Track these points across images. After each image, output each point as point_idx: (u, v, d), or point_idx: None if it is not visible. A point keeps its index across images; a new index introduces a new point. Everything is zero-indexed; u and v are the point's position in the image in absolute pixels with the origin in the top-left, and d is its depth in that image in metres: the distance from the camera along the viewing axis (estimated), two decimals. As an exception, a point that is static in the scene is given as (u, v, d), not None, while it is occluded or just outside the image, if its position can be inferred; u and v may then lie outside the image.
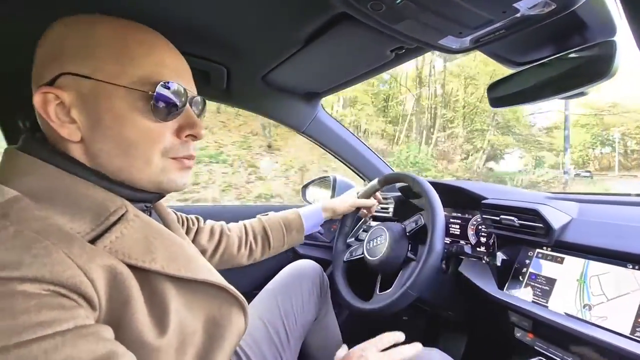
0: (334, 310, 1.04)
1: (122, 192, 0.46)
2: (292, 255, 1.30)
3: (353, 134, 1.30)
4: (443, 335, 1.17)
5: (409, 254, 0.86)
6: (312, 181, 1.54)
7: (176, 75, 0.47)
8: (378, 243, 0.90)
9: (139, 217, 0.45)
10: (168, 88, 0.45)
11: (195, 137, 0.50)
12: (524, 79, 0.69)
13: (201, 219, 0.83)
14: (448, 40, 0.58)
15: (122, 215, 0.43)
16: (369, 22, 0.55)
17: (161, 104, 0.44)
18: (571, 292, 0.66)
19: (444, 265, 0.97)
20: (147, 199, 0.50)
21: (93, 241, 0.38)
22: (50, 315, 0.31)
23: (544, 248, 0.76)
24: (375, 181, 1.03)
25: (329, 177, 1.41)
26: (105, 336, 0.35)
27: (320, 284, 0.98)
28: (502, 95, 0.74)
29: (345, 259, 1.03)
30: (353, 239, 1.18)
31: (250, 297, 0.91)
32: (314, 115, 1.15)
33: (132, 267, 0.41)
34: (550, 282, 0.70)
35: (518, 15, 0.48)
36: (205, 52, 0.79)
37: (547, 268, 0.73)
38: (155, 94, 0.44)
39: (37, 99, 0.42)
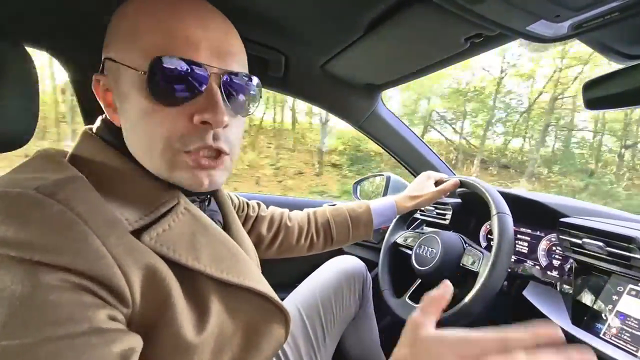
0: (375, 313, 0.99)
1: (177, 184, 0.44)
2: (336, 250, 1.26)
3: (413, 132, 1.21)
4: None
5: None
6: (365, 178, 1.49)
7: (190, 48, 0.38)
8: (429, 254, 0.83)
9: (190, 210, 0.43)
10: (162, 63, 0.36)
11: (209, 124, 0.39)
12: (635, 76, 0.56)
13: (263, 205, 0.81)
14: (540, 26, 0.48)
15: (173, 207, 0.41)
16: (444, 4, 0.48)
17: (158, 83, 0.37)
18: (674, 345, 0.53)
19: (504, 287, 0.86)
20: (197, 192, 0.47)
21: (139, 232, 0.37)
22: (66, 313, 0.29)
23: (640, 285, 0.62)
24: (456, 179, 0.90)
25: (382, 174, 1.35)
26: (114, 350, 0.30)
27: (362, 283, 0.94)
28: (603, 94, 0.60)
29: (397, 241, 0.98)
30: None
31: (290, 289, 0.90)
32: (372, 109, 1.09)
33: (173, 264, 0.38)
34: (645, 327, 0.57)
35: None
36: (263, 38, 0.77)
37: (642, 310, 0.59)
38: (147, 72, 0.37)
39: (93, 87, 0.43)
